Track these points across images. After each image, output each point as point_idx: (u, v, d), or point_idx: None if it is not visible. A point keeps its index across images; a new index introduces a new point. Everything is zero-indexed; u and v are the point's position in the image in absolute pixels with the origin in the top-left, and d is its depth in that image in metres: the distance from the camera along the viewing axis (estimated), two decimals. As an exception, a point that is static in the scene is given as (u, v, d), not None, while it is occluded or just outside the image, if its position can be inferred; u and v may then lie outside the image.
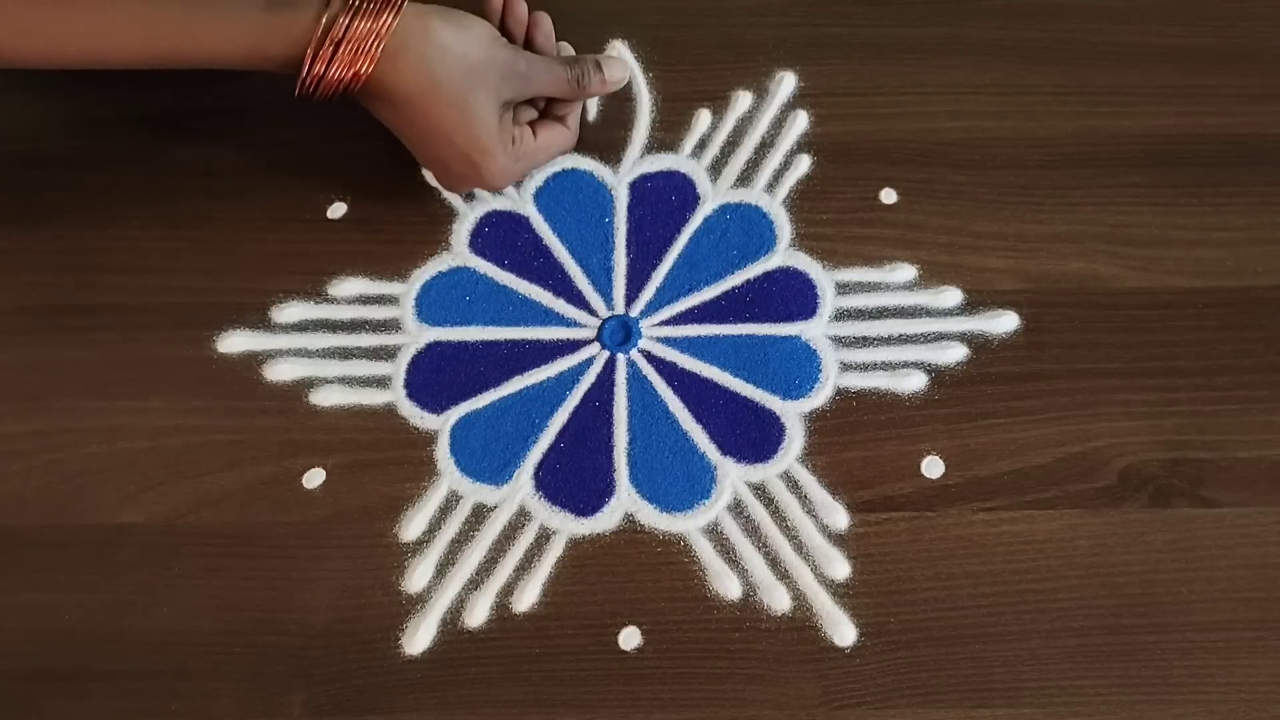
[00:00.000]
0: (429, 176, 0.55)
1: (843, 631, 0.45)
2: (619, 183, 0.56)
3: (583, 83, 0.53)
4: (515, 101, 0.52)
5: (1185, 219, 0.54)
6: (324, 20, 0.46)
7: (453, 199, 0.55)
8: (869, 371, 0.51)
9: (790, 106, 0.57)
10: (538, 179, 0.56)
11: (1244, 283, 0.52)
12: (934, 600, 0.46)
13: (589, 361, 0.51)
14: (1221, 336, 0.51)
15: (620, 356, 0.51)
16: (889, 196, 0.55)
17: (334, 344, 0.52)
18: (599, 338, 0.52)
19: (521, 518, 0.48)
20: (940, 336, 0.51)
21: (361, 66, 0.46)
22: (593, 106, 0.58)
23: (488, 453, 0.49)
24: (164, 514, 0.48)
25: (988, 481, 0.48)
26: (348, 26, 0.46)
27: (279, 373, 0.51)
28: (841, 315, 0.52)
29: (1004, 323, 0.51)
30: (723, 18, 0.60)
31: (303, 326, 0.52)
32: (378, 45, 0.46)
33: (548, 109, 0.55)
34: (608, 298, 0.53)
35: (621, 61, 0.55)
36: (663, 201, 0.55)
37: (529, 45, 0.54)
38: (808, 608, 0.46)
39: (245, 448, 0.49)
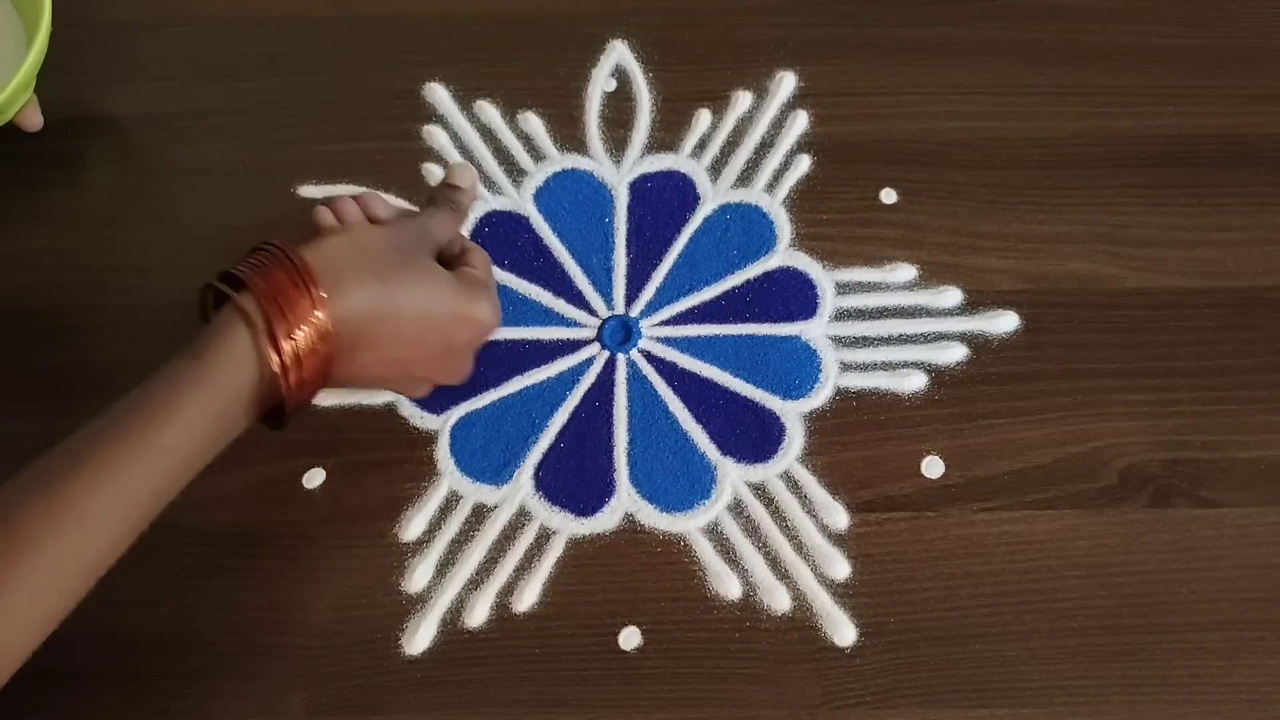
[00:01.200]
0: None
1: (843, 631, 0.45)
2: (619, 183, 0.56)
3: (458, 203, 0.48)
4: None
5: (1185, 219, 0.54)
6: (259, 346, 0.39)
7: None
8: (869, 371, 0.51)
9: (790, 106, 0.57)
10: (538, 179, 0.56)
11: (1244, 283, 0.52)
12: (934, 600, 0.46)
13: (589, 361, 0.51)
14: (1221, 336, 0.51)
15: (620, 356, 0.51)
16: (889, 196, 0.55)
17: (334, 344, 0.51)
18: (599, 338, 0.52)
19: (521, 518, 0.48)
20: (940, 336, 0.51)
21: (320, 348, 0.40)
22: (593, 109, 0.58)
23: (488, 453, 0.49)
24: (165, 513, 0.48)
25: (988, 481, 0.48)
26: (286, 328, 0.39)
27: (279, 372, 0.51)
28: (841, 315, 0.52)
29: (1004, 323, 0.51)
30: (723, 18, 0.60)
31: (303, 326, 0.52)
32: (321, 322, 0.40)
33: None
34: (608, 298, 0.53)
35: (462, 166, 0.49)
36: (663, 201, 0.55)
37: (375, 221, 0.47)
38: (808, 608, 0.46)
39: (246, 447, 0.49)
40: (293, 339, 0.39)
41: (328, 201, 0.46)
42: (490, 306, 0.46)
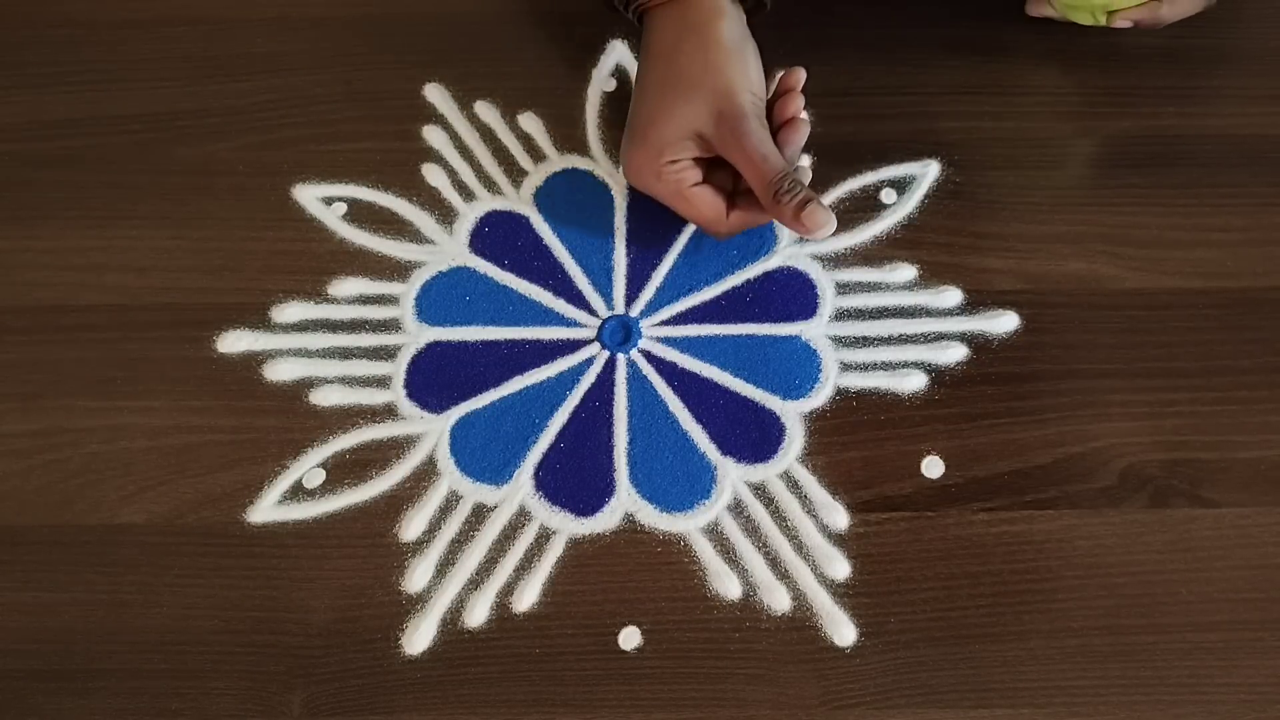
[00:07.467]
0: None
1: (843, 631, 0.45)
2: (619, 183, 0.56)
3: (780, 193, 0.47)
4: (709, 146, 0.49)
5: (1185, 219, 0.54)
6: None
7: (452, 199, 0.55)
8: (869, 371, 0.51)
9: (790, 106, 0.57)
10: (537, 179, 0.56)
11: (1244, 283, 0.52)
12: (934, 600, 0.46)
13: (589, 361, 0.51)
14: (1221, 337, 0.51)
15: (620, 356, 0.51)
16: (889, 196, 0.55)
17: (334, 344, 0.52)
18: (599, 338, 0.52)
19: (521, 518, 0.48)
20: (940, 336, 0.51)
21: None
22: (593, 109, 0.58)
23: (488, 453, 0.49)
24: (164, 513, 0.48)
25: (988, 481, 0.48)
26: None
27: (279, 372, 0.51)
28: (841, 315, 0.52)
29: (1004, 323, 0.51)
30: (723, 18, 0.60)
31: (303, 326, 0.52)
32: None
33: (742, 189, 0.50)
34: (608, 298, 0.53)
35: (828, 215, 0.47)
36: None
37: (774, 129, 0.50)
38: (808, 608, 0.46)
39: (245, 447, 0.49)
40: None
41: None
42: (630, 167, 0.50)
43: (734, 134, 0.47)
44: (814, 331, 0.52)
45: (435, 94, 0.58)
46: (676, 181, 0.49)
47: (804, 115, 0.50)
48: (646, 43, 0.50)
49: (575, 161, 0.56)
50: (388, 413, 0.50)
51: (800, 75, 0.51)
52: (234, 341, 0.52)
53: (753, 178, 0.48)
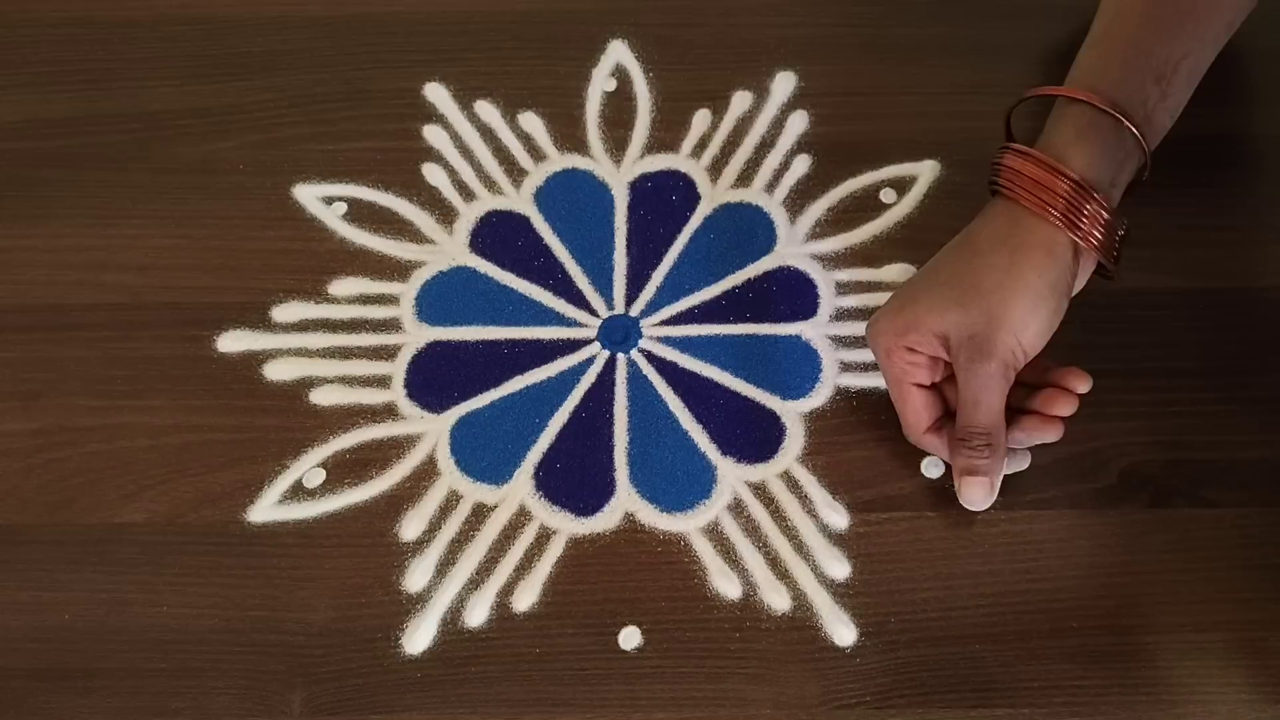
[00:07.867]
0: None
1: (842, 631, 0.45)
2: (619, 183, 0.56)
3: (964, 444, 0.45)
4: (948, 355, 0.45)
5: (1185, 219, 0.54)
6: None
7: (452, 198, 0.55)
8: (869, 371, 0.51)
9: (790, 106, 0.57)
10: (538, 179, 0.56)
11: (1244, 283, 0.52)
12: (934, 600, 0.46)
13: (589, 361, 0.51)
14: (1221, 336, 0.51)
15: (620, 356, 0.51)
16: (889, 196, 0.55)
17: (334, 343, 0.52)
18: (599, 337, 0.52)
19: (521, 517, 0.48)
20: (940, 336, 0.51)
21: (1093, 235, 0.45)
22: (593, 109, 0.58)
23: (488, 452, 0.49)
24: (164, 513, 0.48)
25: (988, 481, 0.48)
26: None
27: (279, 372, 0.51)
28: (841, 315, 0.52)
29: (1004, 323, 0.51)
30: (723, 17, 0.60)
31: (303, 326, 0.52)
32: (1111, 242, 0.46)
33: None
34: (608, 298, 0.53)
35: (985, 496, 0.46)
36: (663, 201, 0.55)
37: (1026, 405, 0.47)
38: (808, 607, 0.46)
39: (245, 447, 0.49)
40: None
41: None
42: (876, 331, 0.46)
43: (970, 362, 0.44)
44: (814, 331, 0.52)
45: (435, 93, 0.58)
46: (901, 370, 0.46)
47: (1059, 424, 0.47)
48: (980, 218, 0.46)
49: (575, 161, 0.56)
50: (388, 412, 0.50)
51: (1084, 383, 0.47)
52: (234, 341, 0.52)
53: (958, 413, 0.45)
